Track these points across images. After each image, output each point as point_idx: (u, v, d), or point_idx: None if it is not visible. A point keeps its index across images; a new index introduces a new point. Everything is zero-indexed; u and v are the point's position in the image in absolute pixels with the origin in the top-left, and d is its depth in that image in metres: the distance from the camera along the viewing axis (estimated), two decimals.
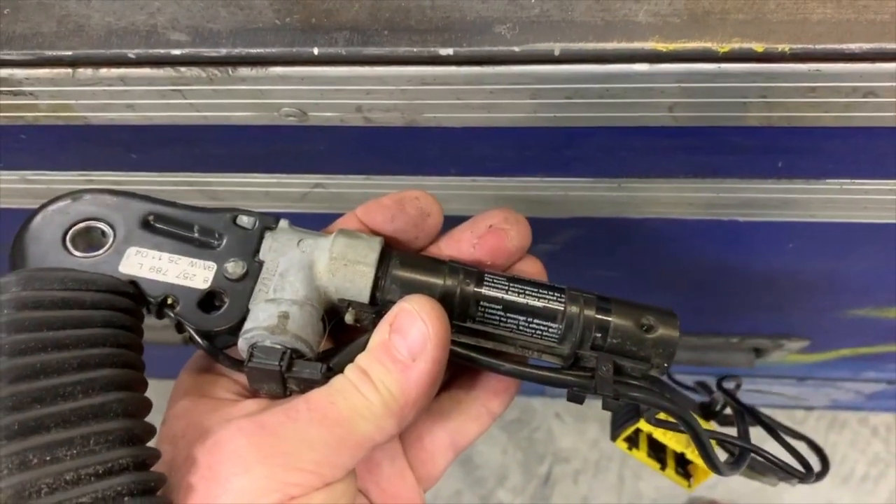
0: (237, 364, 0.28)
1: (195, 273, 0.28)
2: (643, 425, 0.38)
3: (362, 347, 0.27)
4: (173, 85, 0.30)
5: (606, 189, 0.39)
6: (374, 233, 0.30)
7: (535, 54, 0.27)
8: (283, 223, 0.29)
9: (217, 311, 0.27)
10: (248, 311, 0.27)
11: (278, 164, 0.38)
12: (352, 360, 0.27)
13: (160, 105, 0.31)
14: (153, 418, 0.25)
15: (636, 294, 0.31)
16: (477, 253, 0.30)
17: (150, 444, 0.25)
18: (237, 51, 0.28)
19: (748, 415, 0.39)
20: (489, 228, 0.30)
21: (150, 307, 0.27)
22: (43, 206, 0.28)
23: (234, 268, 0.28)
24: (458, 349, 0.28)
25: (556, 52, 0.27)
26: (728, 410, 0.41)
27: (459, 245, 0.31)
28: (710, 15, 0.27)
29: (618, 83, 0.28)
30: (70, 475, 0.21)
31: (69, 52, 0.29)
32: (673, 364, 0.29)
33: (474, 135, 0.33)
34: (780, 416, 0.47)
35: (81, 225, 0.28)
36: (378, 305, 0.28)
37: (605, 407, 0.28)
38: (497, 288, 0.29)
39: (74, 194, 0.28)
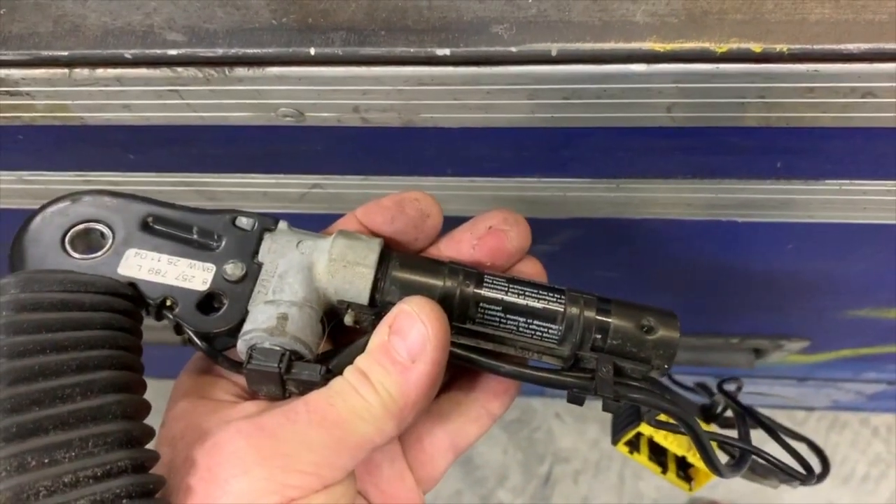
0: (236, 366, 0.28)
1: (194, 275, 0.28)
2: (644, 429, 0.38)
3: (361, 349, 0.27)
4: (170, 85, 0.30)
5: (605, 189, 0.39)
6: (374, 234, 0.30)
7: (532, 55, 0.27)
8: (283, 224, 0.29)
9: (216, 313, 0.27)
10: (247, 312, 0.27)
11: (276, 165, 0.38)
12: (351, 362, 0.27)
13: (157, 105, 0.31)
14: (152, 419, 0.25)
15: (635, 294, 0.31)
16: (477, 254, 0.30)
17: (149, 445, 0.24)
18: (234, 51, 0.28)
19: (749, 417, 0.39)
20: (489, 230, 0.30)
21: (149, 309, 0.27)
22: (42, 208, 0.28)
23: (234, 269, 0.28)
24: (458, 350, 0.28)
25: (554, 53, 0.27)
26: (729, 413, 0.41)
27: (459, 246, 0.31)
28: (707, 15, 0.27)
29: (615, 83, 0.28)
30: (68, 477, 0.21)
31: (65, 53, 0.29)
32: (673, 365, 0.29)
33: (471, 135, 0.33)
34: (781, 417, 0.47)
35: (81, 226, 0.28)
36: (377, 307, 0.28)
37: (605, 409, 0.28)
38: (497, 289, 0.29)
39: (74, 196, 0.28)
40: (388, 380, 0.26)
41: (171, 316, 0.27)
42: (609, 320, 0.29)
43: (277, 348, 0.26)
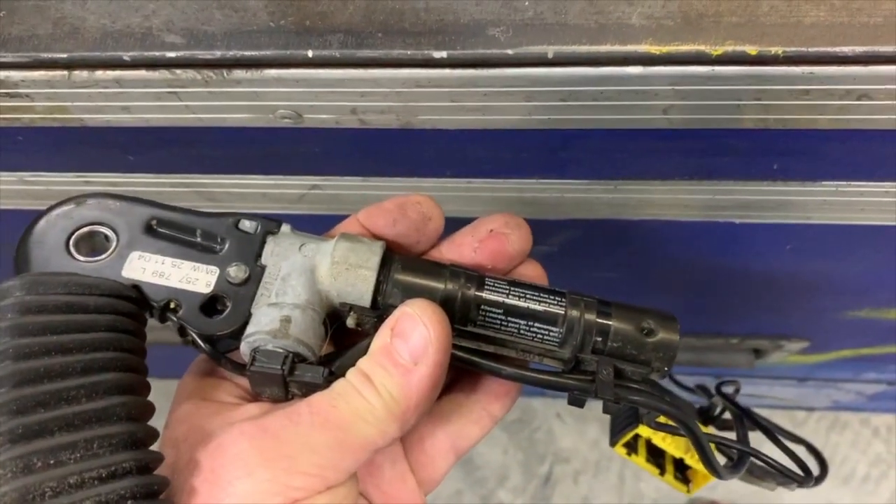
0: (239, 368, 0.28)
1: (198, 277, 0.28)
2: (642, 430, 0.38)
3: (364, 351, 0.27)
4: (169, 87, 0.30)
5: (602, 191, 0.39)
6: (376, 237, 0.30)
7: (528, 57, 0.28)
8: (285, 227, 0.30)
9: (219, 316, 0.28)
10: (250, 315, 0.27)
11: (275, 166, 0.38)
12: (353, 364, 0.27)
13: (156, 107, 0.32)
14: (156, 420, 0.25)
15: (634, 295, 0.31)
16: (478, 257, 0.30)
17: (153, 447, 0.25)
18: (232, 53, 0.28)
19: (747, 418, 0.39)
20: (490, 233, 0.30)
21: (153, 311, 0.27)
22: (47, 211, 0.28)
23: (237, 272, 0.28)
24: (460, 353, 0.28)
25: (550, 55, 0.27)
26: (727, 414, 0.41)
27: (460, 249, 0.31)
28: (703, 18, 0.27)
29: (612, 86, 0.28)
30: (73, 479, 0.22)
31: (65, 55, 0.29)
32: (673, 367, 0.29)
33: (469, 137, 0.33)
34: (781, 418, 0.47)
35: (85, 229, 0.28)
36: (379, 309, 0.29)
37: (605, 411, 0.28)
38: (498, 292, 0.29)
39: (78, 199, 0.28)
40: (390, 382, 0.26)
41: (174, 318, 0.27)
42: (609, 323, 0.29)
43: (280, 350, 0.26)
